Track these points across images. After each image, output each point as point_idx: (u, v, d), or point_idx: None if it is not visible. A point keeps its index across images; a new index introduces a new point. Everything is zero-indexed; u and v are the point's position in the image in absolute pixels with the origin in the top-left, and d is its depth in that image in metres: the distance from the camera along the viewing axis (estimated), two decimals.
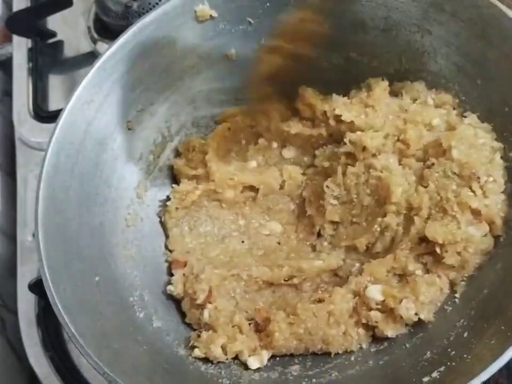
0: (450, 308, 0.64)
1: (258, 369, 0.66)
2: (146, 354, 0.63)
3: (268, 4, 0.78)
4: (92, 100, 0.73)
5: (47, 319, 0.85)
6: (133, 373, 0.59)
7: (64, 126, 0.70)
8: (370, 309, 0.65)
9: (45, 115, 1.01)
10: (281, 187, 0.81)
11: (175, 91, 0.81)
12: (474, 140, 0.67)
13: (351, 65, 0.81)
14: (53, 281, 0.61)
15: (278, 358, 0.68)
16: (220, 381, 0.63)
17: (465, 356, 0.55)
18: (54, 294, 0.61)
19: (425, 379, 0.55)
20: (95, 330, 0.62)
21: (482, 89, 0.70)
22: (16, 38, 1.12)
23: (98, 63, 0.73)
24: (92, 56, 1.04)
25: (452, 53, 0.72)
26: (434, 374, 0.56)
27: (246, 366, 0.67)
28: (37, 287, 0.81)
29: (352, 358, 0.66)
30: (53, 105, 1.05)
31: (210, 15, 0.78)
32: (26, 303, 0.88)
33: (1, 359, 0.88)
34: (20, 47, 1.11)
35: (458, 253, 0.63)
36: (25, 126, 1.01)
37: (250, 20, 0.79)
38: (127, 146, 0.78)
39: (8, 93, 1.09)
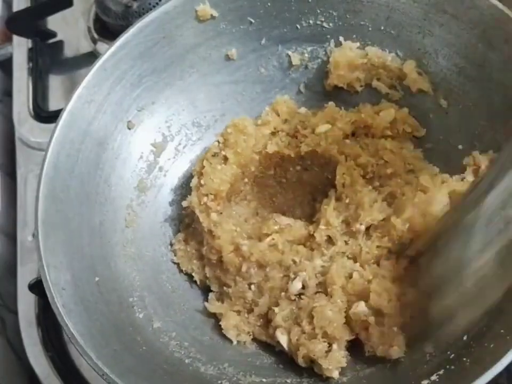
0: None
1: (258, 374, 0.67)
2: (146, 355, 0.63)
3: (269, 4, 0.78)
4: (92, 99, 0.73)
5: (47, 319, 0.85)
6: (132, 374, 0.59)
7: (64, 126, 0.70)
8: None
9: (45, 115, 1.01)
10: None
11: (175, 91, 0.80)
12: None
13: None
14: (52, 281, 0.61)
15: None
16: (219, 382, 0.63)
17: (464, 359, 0.55)
18: (54, 294, 0.61)
19: (424, 382, 0.55)
20: (94, 330, 0.61)
21: (483, 90, 0.70)
22: (16, 38, 1.11)
23: (99, 63, 0.73)
24: (92, 56, 1.04)
25: (452, 54, 0.72)
26: (433, 377, 0.55)
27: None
28: (37, 287, 0.81)
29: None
30: (53, 105, 1.04)
31: (211, 15, 0.78)
32: (26, 303, 0.88)
33: (1, 359, 0.88)
34: (20, 47, 1.10)
35: None
36: (25, 126, 1.01)
37: (251, 19, 0.79)
38: (127, 146, 0.77)
39: (9, 93, 1.09)
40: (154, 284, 0.73)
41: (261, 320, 0.70)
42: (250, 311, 0.70)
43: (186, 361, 0.66)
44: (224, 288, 0.72)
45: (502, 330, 0.54)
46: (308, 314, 0.65)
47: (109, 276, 0.70)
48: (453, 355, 0.57)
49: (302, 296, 0.67)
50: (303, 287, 0.67)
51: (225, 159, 0.75)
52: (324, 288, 0.67)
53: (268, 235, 0.70)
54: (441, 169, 0.73)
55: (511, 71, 0.67)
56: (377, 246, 0.67)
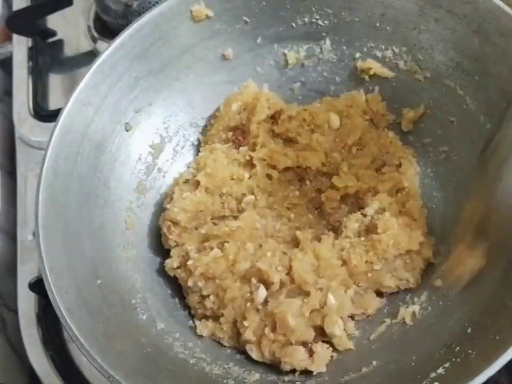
0: (453, 304, 0.64)
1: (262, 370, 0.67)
2: (151, 356, 0.63)
3: (264, 3, 0.78)
4: (89, 102, 0.73)
5: (47, 318, 0.85)
6: (138, 375, 0.59)
7: (62, 129, 0.70)
8: None
9: (45, 114, 1.01)
10: None
11: (172, 92, 0.80)
12: None
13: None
14: (55, 285, 0.61)
15: None
16: (224, 381, 0.63)
17: (470, 351, 0.55)
18: (57, 297, 0.61)
19: (431, 375, 0.55)
20: (98, 333, 0.61)
21: (480, 85, 0.70)
22: (16, 37, 1.11)
23: (95, 66, 0.73)
24: (92, 55, 1.04)
25: (448, 49, 0.72)
26: (440, 370, 0.55)
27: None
28: (37, 286, 0.81)
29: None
30: (53, 104, 1.04)
31: (206, 15, 0.78)
32: (26, 302, 0.87)
33: (1, 358, 0.88)
34: (20, 46, 1.10)
35: None
36: (25, 125, 1.01)
37: (246, 19, 0.79)
38: (125, 148, 0.77)
39: (9, 92, 1.09)
40: (156, 286, 0.74)
41: (234, 329, 0.69)
42: (215, 318, 0.70)
43: (191, 361, 0.66)
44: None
45: (506, 323, 0.54)
46: (271, 322, 0.65)
47: (110, 278, 0.69)
48: (458, 348, 0.57)
49: (269, 300, 0.66)
50: (268, 289, 0.66)
51: (197, 184, 0.74)
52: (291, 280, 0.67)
53: (218, 238, 0.70)
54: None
55: (507, 64, 0.67)
56: (366, 261, 0.68)
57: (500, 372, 0.51)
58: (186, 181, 0.75)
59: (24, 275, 0.88)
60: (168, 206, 0.73)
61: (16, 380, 0.89)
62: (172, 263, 0.71)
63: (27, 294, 0.85)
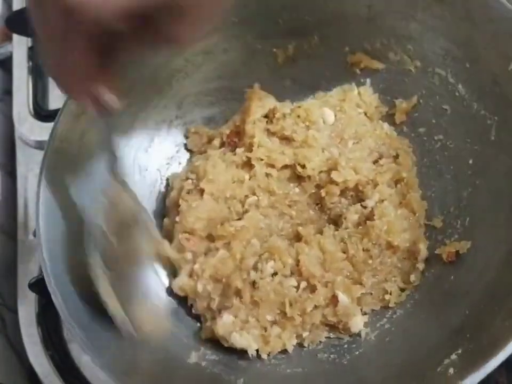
0: (460, 291, 0.64)
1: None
2: (162, 362, 0.63)
3: (250, 1, 0.78)
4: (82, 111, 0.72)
5: (47, 318, 0.85)
6: (150, 382, 0.59)
7: (61, 130, 0.69)
8: None
9: (45, 114, 1.00)
10: None
11: (163, 96, 0.80)
12: None
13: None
14: (58, 288, 0.61)
15: None
16: (237, 381, 0.64)
17: (480, 337, 0.56)
18: (58, 300, 0.60)
19: (445, 361, 0.56)
20: (107, 341, 0.61)
21: (472, 71, 0.70)
22: (16, 37, 1.10)
23: None
24: None
25: (438, 37, 0.73)
26: (453, 357, 0.56)
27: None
28: (37, 286, 0.80)
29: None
30: (53, 104, 1.04)
31: None
32: (26, 302, 0.87)
33: (1, 358, 0.87)
34: (20, 46, 1.09)
35: None
36: (25, 125, 1.00)
37: (234, 19, 0.79)
38: (122, 149, 0.76)
39: (8, 92, 1.08)
40: (161, 290, 0.73)
41: None
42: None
43: (203, 364, 0.66)
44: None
45: None
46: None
47: None
48: (468, 334, 0.57)
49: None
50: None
51: (202, 192, 0.73)
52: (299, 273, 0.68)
53: (223, 238, 0.70)
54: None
55: (496, 50, 0.67)
56: (363, 249, 0.69)
57: (500, 372, 0.52)
58: (190, 191, 0.75)
59: (24, 275, 0.87)
60: (177, 219, 0.72)
61: (16, 380, 0.88)
62: (182, 279, 0.70)
63: (27, 294, 0.85)
